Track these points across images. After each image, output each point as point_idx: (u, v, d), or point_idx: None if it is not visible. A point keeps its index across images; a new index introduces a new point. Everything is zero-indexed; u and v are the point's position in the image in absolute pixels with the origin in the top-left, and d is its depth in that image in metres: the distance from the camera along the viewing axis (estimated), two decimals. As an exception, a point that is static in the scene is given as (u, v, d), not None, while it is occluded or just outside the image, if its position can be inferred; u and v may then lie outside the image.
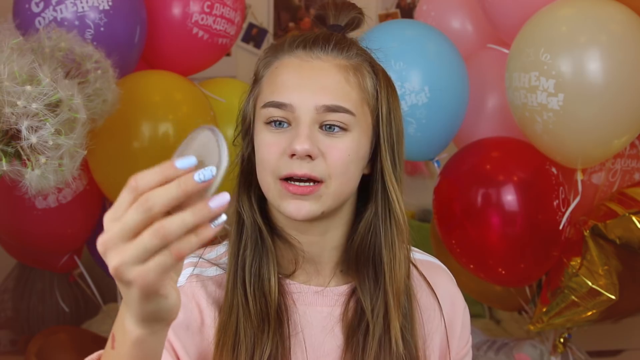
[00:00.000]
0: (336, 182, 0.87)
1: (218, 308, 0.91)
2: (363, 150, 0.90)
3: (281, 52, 0.91)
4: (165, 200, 0.59)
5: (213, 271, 0.94)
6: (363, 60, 0.93)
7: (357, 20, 0.99)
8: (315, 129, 0.87)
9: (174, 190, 0.60)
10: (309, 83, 0.87)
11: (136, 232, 0.59)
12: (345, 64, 0.90)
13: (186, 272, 0.93)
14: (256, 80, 0.94)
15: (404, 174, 0.94)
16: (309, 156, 0.85)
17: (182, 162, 0.61)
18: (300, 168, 0.85)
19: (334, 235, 0.94)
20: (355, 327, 0.92)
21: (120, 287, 0.63)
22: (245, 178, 0.94)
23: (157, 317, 0.64)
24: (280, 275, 0.92)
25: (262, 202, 0.94)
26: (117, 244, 0.60)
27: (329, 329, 0.92)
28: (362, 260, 0.93)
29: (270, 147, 0.87)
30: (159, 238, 0.59)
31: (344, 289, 0.94)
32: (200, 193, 0.61)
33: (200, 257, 0.95)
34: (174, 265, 0.60)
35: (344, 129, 0.87)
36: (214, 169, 0.61)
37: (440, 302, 0.99)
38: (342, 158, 0.87)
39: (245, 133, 0.95)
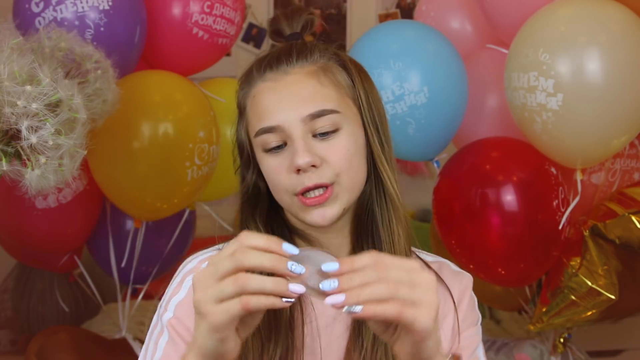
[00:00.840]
0: (346, 178, 0.91)
1: None
2: (360, 140, 0.94)
3: (253, 80, 0.95)
4: (256, 262, 0.70)
5: None
6: (328, 58, 0.95)
7: (310, 21, 1.01)
8: (310, 139, 0.90)
9: (266, 260, 0.71)
10: (288, 99, 0.91)
11: (223, 277, 0.71)
12: (314, 69, 0.93)
13: (202, 259, 0.97)
14: (241, 111, 0.98)
15: (393, 152, 0.98)
16: (313, 166, 0.89)
17: (288, 247, 0.72)
18: (310, 180, 0.89)
19: (348, 228, 0.98)
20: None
21: (196, 318, 0.73)
22: (250, 205, 0.98)
23: (214, 356, 0.74)
24: None
25: (270, 216, 0.98)
26: (205, 281, 0.71)
27: (335, 315, 0.95)
28: (363, 242, 0.96)
29: (276, 170, 0.91)
30: (236, 286, 0.69)
31: None
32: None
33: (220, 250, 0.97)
34: (238, 313, 0.70)
35: (335, 130, 0.91)
36: (303, 269, 0.72)
37: (449, 288, 1.00)
38: (344, 156, 0.91)
39: (247, 162, 0.99)
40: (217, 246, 0.99)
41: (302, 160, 0.88)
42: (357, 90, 0.95)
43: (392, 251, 0.94)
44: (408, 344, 0.74)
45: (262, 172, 0.95)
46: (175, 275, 0.98)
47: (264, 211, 0.98)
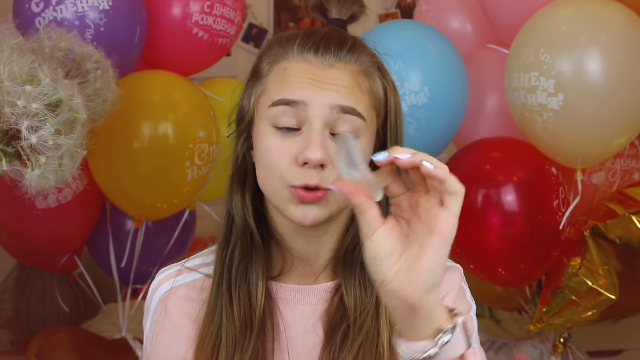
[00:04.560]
0: None
1: (190, 319, 0.91)
2: (368, 154, 0.86)
3: (290, 52, 0.86)
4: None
5: (194, 275, 0.94)
6: (373, 64, 0.89)
7: (358, 14, 0.96)
8: (326, 135, 0.83)
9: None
10: (323, 85, 0.83)
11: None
12: (358, 70, 0.86)
13: (163, 288, 0.94)
14: (258, 76, 0.89)
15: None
16: (321, 165, 0.81)
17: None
18: (312, 179, 0.81)
19: (330, 238, 0.92)
20: (335, 323, 0.89)
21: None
22: (239, 177, 0.92)
23: None
24: (266, 276, 0.91)
25: (256, 203, 0.92)
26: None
27: (310, 327, 0.90)
28: (351, 261, 0.91)
29: (280, 153, 0.83)
30: None
31: (328, 285, 0.92)
32: None
33: (182, 265, 0.95)
34: None
35: (355, 136, 0.83)
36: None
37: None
38: None
39: (242, 131, 0.91)
40: (181, 262, 0.96)
41: (315, 155, 0.80)
42: (389, 106, 0.89)
43: None
44: (416, 272, 0.66)
45: (258, 148, 0.86)
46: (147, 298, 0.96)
47: (251, 189, 0.91)
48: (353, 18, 0.95)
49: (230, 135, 0.94)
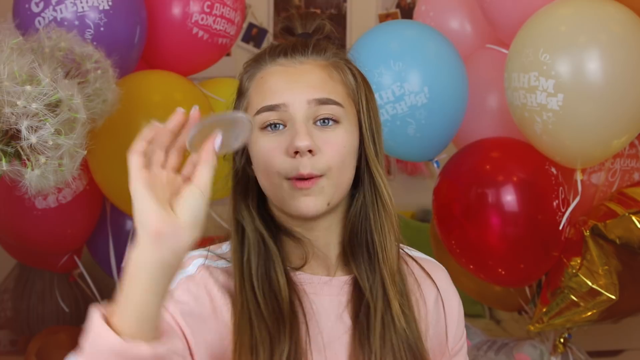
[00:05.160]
0: (335, 174, 0.91)
1: (230, 295, 0.93)
2: (354, 141, 0.95)
3: (263, 63, 0.96)
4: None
5: (222, 263, 0.97)
6: (340, 58, 0.97)
7: (322, 26, 1.02)
8: (310, 125, 0.91)
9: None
10: (297, 83, 0.92)
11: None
12: (326, 63, 0.95)
13: (197, 262, 0.95)
14: (241, 93, 0.98)
15: (384, 164, 0.99)
16: (310, 151, 0.89)
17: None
18: (305, 168, 0.89)
19: (336, 228, 0.98)
20: (359, 310, 0.96)
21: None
22: (241, 189, 0.98)
23: (167, 271, 0.74)
24: (288, 268, 0.96)
25: (261, 209, 0.98)
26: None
27: (338, 314, 0.96)
28: (356, 245, 0.97)
29: (272, 151, 0.91)
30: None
31: (347, 278, 0.99)
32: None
33: (208, 251, 0.97)
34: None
35: (336, 121, 0.92)
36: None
37: (441, 294, 1.03)
38: (339, 151, 0.91)
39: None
40: (204, 248, 0.98)
41: (302, 142, 0.88)
42: (359, 94, 0.97)
43: (384, 254, 0.96)
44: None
45: (254, 154, 0.94)
46: None
47: (255, 199, 0.98)
48: (318, 31, 1.02)
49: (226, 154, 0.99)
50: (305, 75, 0.93)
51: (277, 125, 0.91)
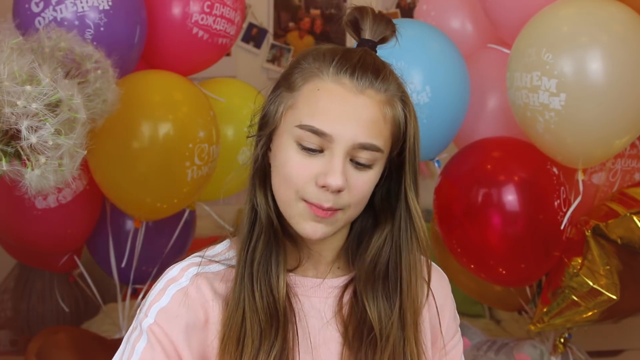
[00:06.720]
0: (352, 210, 0.91)
1: (223, 302, 0.93)
2: (377, 179, 0.93)
3: (325, 71, 0.89)
4: None
5: (215, 267, 0.96)
6: (397, 91, 0.92)
7: (389, 37, 0.97)
8: (347, 162, 0.88)
9: None
10: (350, 117, 0.87)
11: None
12: (384, 99, 0.90)
13: (189, 272, 0.94)
14: (289, 88, 0.91)
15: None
16: (339, 191, 0.87)
17: None
18: (327, 202, 0.87)
19: (336, 237, 0.97)
20: (354, 329, 0.95)
21: None
22: (260, 176, 0.95)
23: None
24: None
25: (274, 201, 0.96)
26: None
27: (327, 319, 0.96)
28: (376, 275, 0.96)
29: (300, 169, 0.88)
30: None
31: (338, 281, 0.98)
32: None
33: (202, 257, 0.96)
34: None
35: (370, 165, 0.89)
36: None
37: (433, 292, 1.02)
38: (364, 191, 0.90)
39: (264, 135, 0.94)
40: (198, 253, 0.98)
41: (336, 182, 0.86)
42: (408, 133, 0.93)
43: (409, 290, 0.94)
44: None
45: (278, 157, 0.91)
46: (157, 282, 0.96)
47: (271, 188, 0.94)
48: (383, 40, 0.96)
49: (251, 137, 0.97)
50: (360, 111, 0.87)
51: (315, 150, 0.88)
